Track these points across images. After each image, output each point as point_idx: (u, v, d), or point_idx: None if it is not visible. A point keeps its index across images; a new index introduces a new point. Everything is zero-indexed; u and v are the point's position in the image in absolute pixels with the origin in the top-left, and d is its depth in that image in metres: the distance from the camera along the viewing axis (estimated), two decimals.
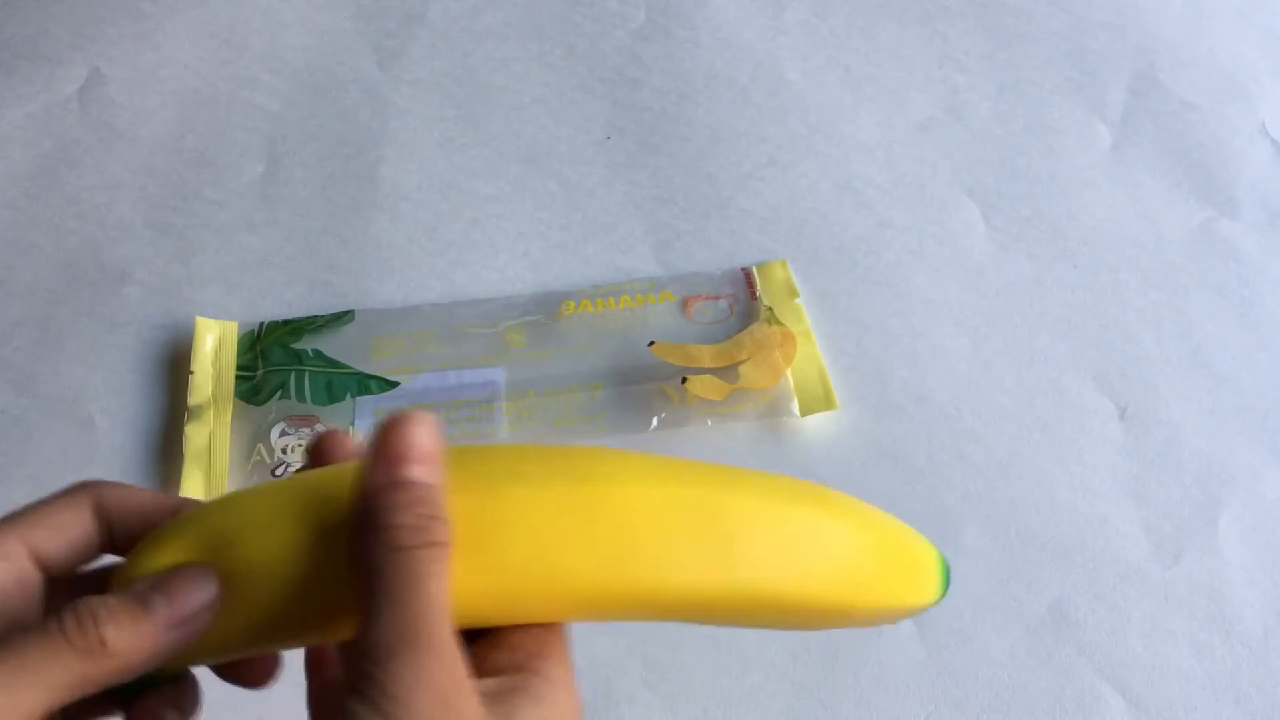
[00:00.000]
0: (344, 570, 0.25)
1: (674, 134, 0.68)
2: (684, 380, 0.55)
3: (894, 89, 0.70)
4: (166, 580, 0.26)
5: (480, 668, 0.26)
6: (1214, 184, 0.66)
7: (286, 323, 0.59)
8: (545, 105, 0.69)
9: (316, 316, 0.59)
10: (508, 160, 0.67)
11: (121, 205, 0.64)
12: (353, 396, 0.56)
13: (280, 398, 0.56)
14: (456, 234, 0.63)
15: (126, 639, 0.25)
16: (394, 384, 0.56)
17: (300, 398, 0.56)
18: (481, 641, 0.28)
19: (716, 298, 0.60)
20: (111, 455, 0.55)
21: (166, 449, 0.55)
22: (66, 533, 0.28)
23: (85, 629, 0.24)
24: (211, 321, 0.59)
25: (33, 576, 0.27)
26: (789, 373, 0.57)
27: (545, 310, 0.59)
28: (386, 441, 0.25)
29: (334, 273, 0.62)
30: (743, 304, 0.59)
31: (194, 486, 0.53)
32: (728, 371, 0.56)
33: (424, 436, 0.25)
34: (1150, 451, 0.55)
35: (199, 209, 0.64)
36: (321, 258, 0.62)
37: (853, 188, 0.65)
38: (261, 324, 0.59)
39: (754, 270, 0.61)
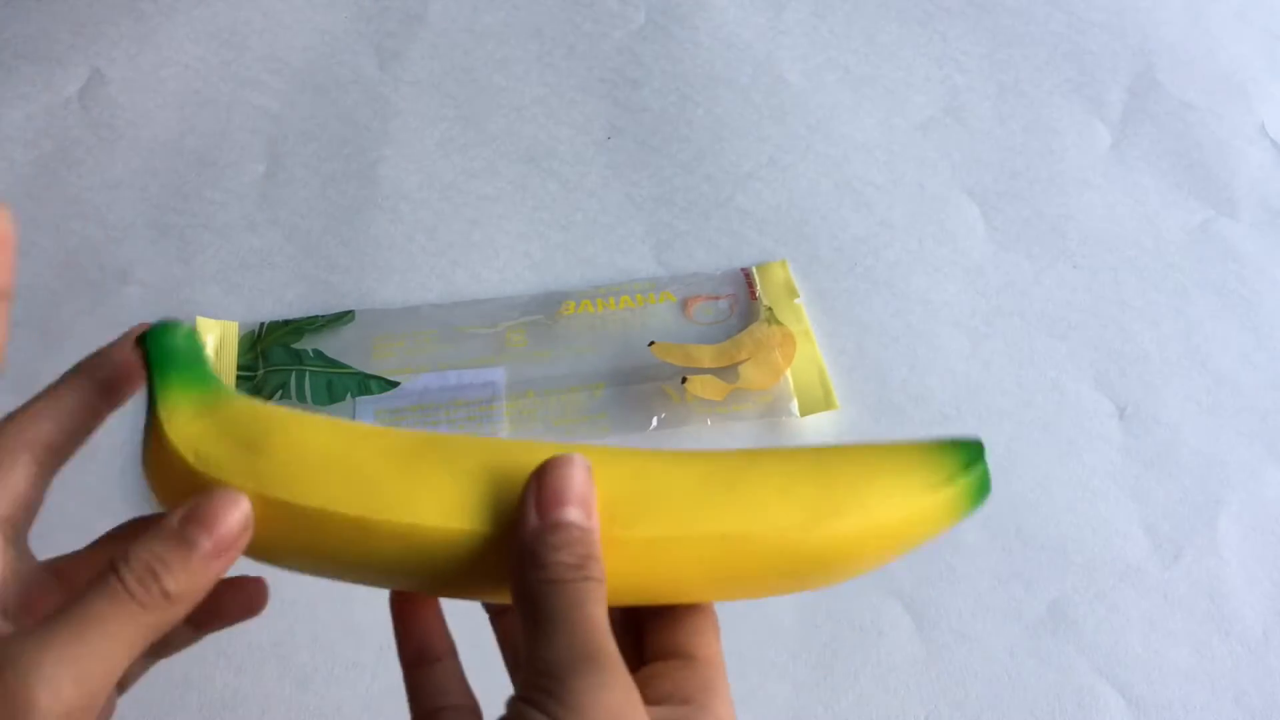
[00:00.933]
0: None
1: (674, 134, 0.68)
2: (684, 380, 0.55)
3: (894, 89, 0.70)
4: (201, 510, 0.26)
5: (645, 694, 0.27)
6: (1213, 184, 0.66)
7: (287, 323, 0.59)
8: (545, 105, 0.69)
9: (317, 316, 0.59)
10: (508, 160, 0.67)
11: (122, 205, 0.64)
12: (353, 396, 0.56)
13: (281, 398, 0.56)
14: (456, 234, 0.63)
15: (184, 583, 0.25)
16: (394, 384, 0.56)
17: (301, 398, 0.56)
18: (644, 671, 0.29)
19: (716, 298, 0.60)
20: (112, 455, 0.55)
21: None
22: (70, 418, 0.31)
23: (147, 585, 0.25)
24: (212, 321, 0.59)
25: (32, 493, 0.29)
26: (789, 373, 0.57)
27: (545, 310, 0.59)
28: (545, 483, 0.27)
29: (334, 273, 0.62)
30: (743, 304, 0.60)
31: None
32: (727, 371, 0.56)
33: (580, 480, 0.27)
34: (1150, 451, 0.55)
35: (199, 209, 0.64)
36: (322, 258, 0.62)
37: (853, 188, 0.65)
38: (262, 324, 0.59)
39: (754, 270, 0.61)
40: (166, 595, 0.25)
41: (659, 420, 0.55)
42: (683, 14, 0.74)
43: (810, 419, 0.56)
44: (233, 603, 0.31)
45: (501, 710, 0.26)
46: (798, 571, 0.29)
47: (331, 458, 0.28)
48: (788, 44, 0.72)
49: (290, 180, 0.66)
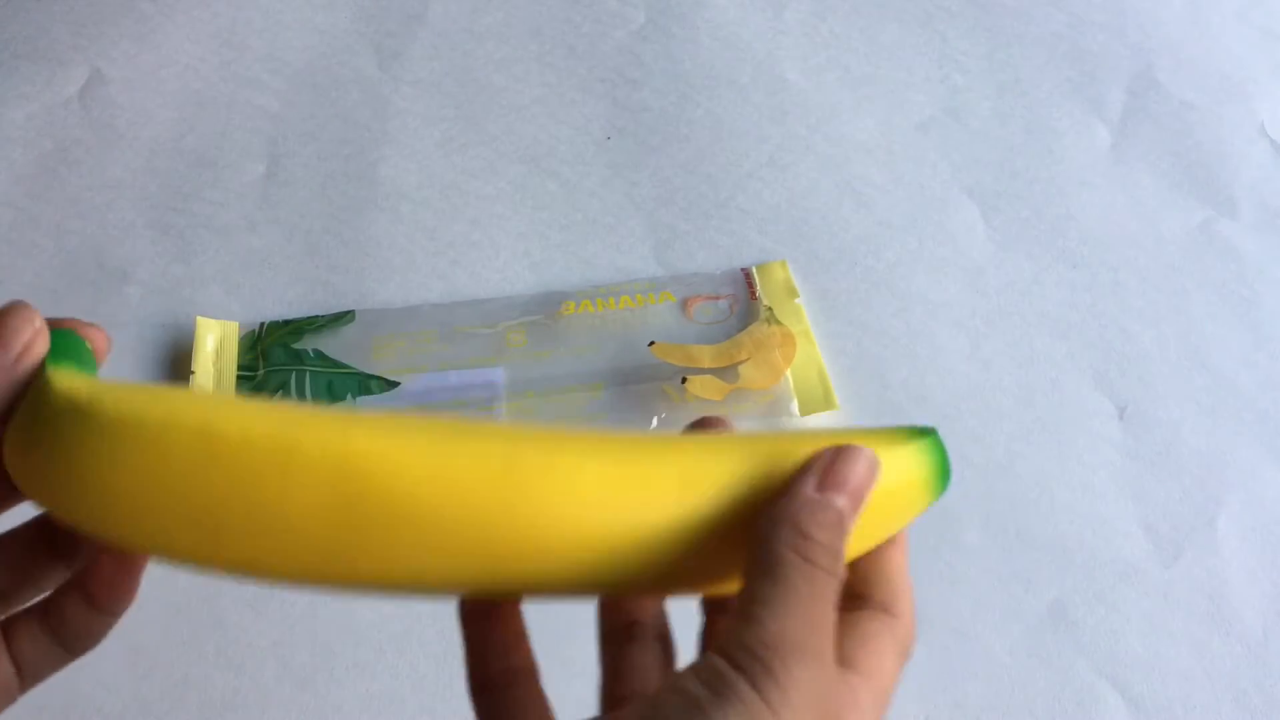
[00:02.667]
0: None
1: (674, 134, 0.68)
2: (684, 380, 0.55)
3: (894, 89, 0.70)
4: None
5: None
6: (1213, 184, 0.66)
7: (287, 323, 0.59)
8: (545, 105, 0.69)
9: (317, 317, 0.59)
10: (508, 160, 0.67)
11: (122, 205, 0.64)
12: (353, 397, 0.56)
13: (281, 398, 0.56)
14: (456, 234, 0.63)
15: None
16: (394, 384, 0.56)
17: (301, 398, 0.56)
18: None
19: (716, 298, 0.60)
20: None
21: None
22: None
23: None
24: (212, 322, 0.59)
25: None
26: (789, 373, 0.57)
27: (545, 310, 0.59)
28: (836, 464, 0.26)
29: (334, 273, 0.62)
30: (743, 304, 0.60)
31: None
32: (727, 371, 0.56)
33: (863, 476, 0.26)
34: (1150, 451, 0.55)
35: (200, 209, 0.64)
36: (322, 258, 0.62)
37: (853, 188, 0.65)
38: (262, 324, 0.59)
39: (754, 270, 0.61)
40: None
41: (659, 420, 0.55)
42: (683, 14, 0.74)
43: (810, 419, 0.56)
44: (112, 568, 0.29)
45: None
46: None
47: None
48: (788, 44, 0.72)
49: (290, 180, 0.66)
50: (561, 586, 0.26)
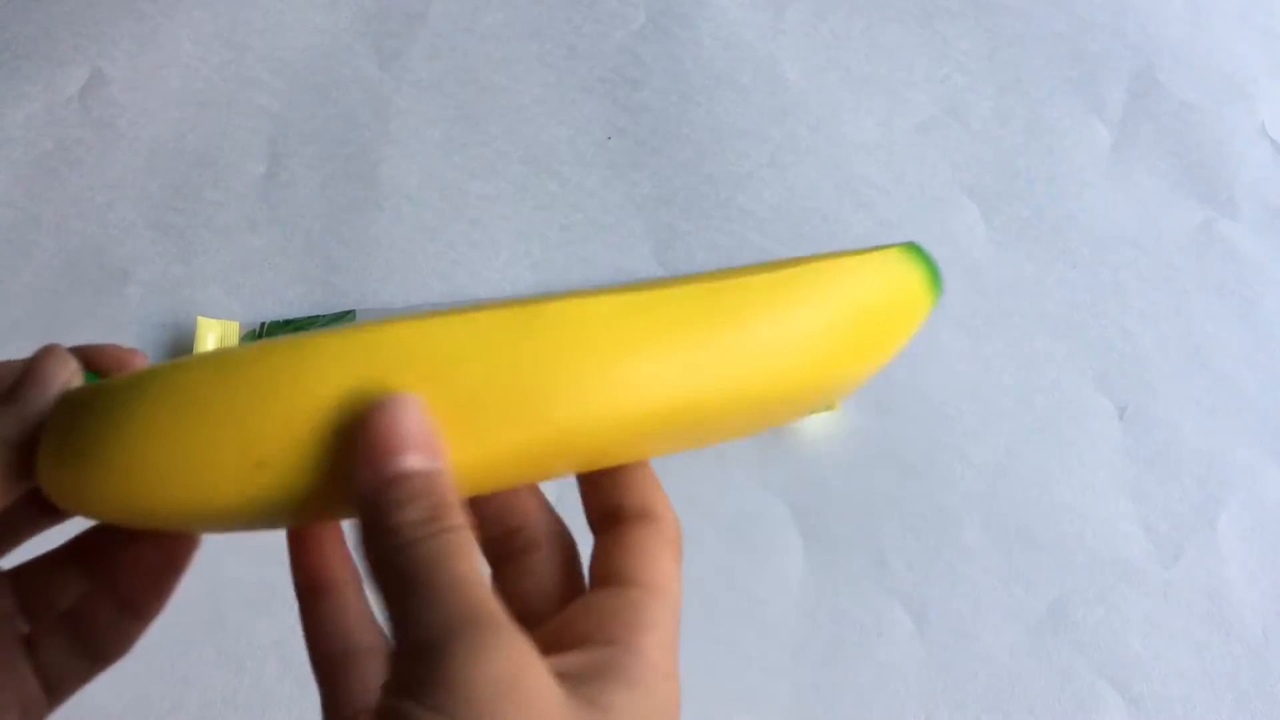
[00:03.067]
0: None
1: (674, 134, 0.68)
2: None
3: (894, 89, 0.70)
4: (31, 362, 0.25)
5: (562, 636, 0.23)
6: (1214, 184, 0.66)
7: (288, 323, 0.59)
8: (545, 106, 0.69)
9: (317, 316, 0.59)
10: (508, 160, 0.67)
11: (123, 205, 0.64)
12: None
13: None
14: (457, 234, 0.63)
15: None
16: None
17: None
18: (568, 609, 0.25)
19: None
20: None
21: None
22: None
23: None
24: (213, 321, 0.59)
25: None
26: None
27: None
28: (372, 435, 0.22)
29: (335, 273, 0.62)
30: None
31: None
32: None
33: (412, 418, 0.22)
34: (1150, 451, 0.55)
35: (200, 209, 0.64)
36: (322, 258, 0.62)
37: (853, 188, 0.65)
38: (263, 324, 0.59)
39: None
40: None
41: None
42: (683, 14, 0.74)
43: (810, 419, 0.56)
44: (142, 570, 0.28)
45: None
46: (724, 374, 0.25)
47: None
48: (788, 44, 0.72)
49: (290, 180, 0.66)
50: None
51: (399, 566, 0.21)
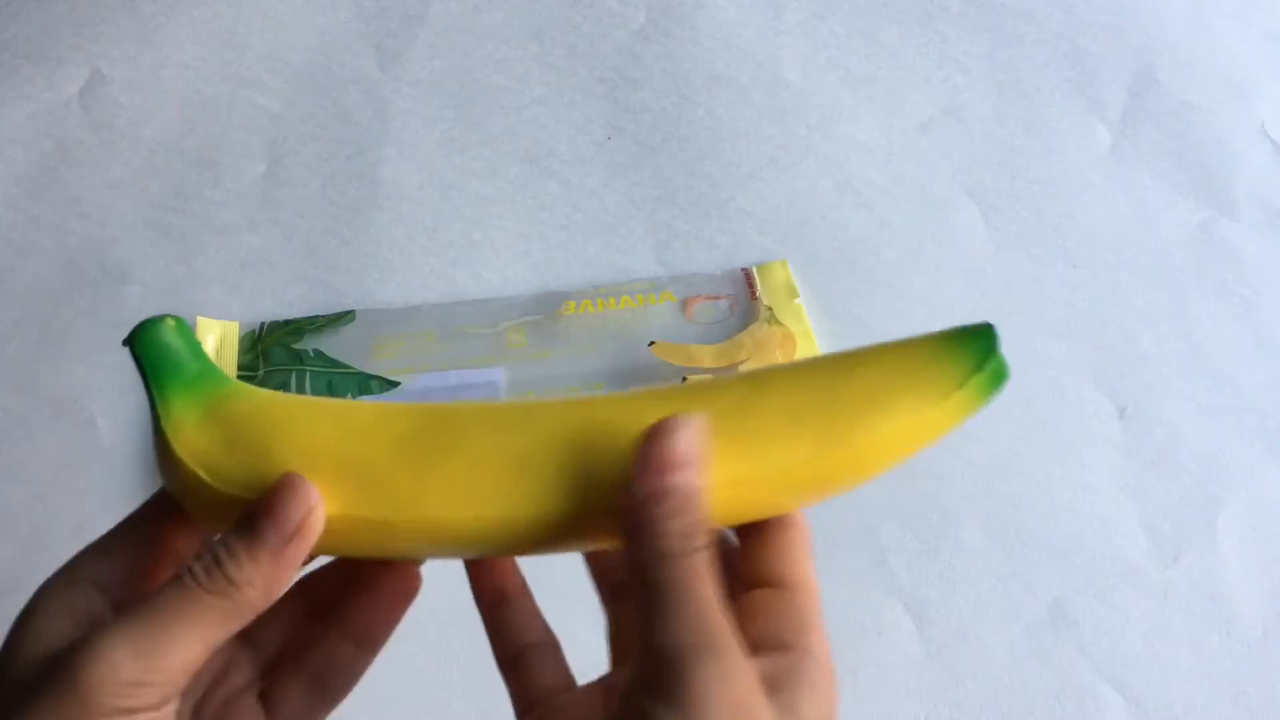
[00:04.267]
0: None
1: (674, 134, 0.68)
2: (684, 380, 0.55)
3: (894, 89, 0.70)
4: (268, 501, 0.27)
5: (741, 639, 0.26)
6: (1213, 184, 0.66)
7: (287, 323, 0.59)
8: (545, 105, 0.69)
9: (317, 316, 0.59)
10: (508, 160, 0.67)
11: (123, 205, 0.64)
12: (353, 396, 0.56)
13: None
14: (457, 234, 0.63)
15: (249, 571, 0.26)
16: (395, 384, 0.56)
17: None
18: (736, 609, 0.27)
19: (716, 298, 0.60)
20: (112, 455, 0.55)
21: None
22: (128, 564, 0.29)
23: (213, 574, 0.26)
24: (213, 321, 0.59)
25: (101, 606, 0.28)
26: None
27: (545, 310, 0.59)
28: (651, 449, 0.26)
29: (335, 273, 0.62)
30: (743, 304, 0.60)
31: None
32: (728, 371, 0.56)
33: (686, 440, 0.26)
34: (1150, 451, 0.55)
35: (200, 209, 0.64)
36: (322, 258, 0.62)
37: (853, 188, 0.65)
38: (262, 324, 0.59)
39: (754, 270, 0.61)
40: (231, 581, 0.26)
41: None
42: (683, 14, 0.74)
43: None
44: (379, 605, 0.32)
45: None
46: (810, 495, 0.29)
47: (344, 459, 0.28)
48: (788, 44, 0.72)
49: (290, 180, 0.66)
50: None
51: (658, 576, 0.25)
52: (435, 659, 0.49)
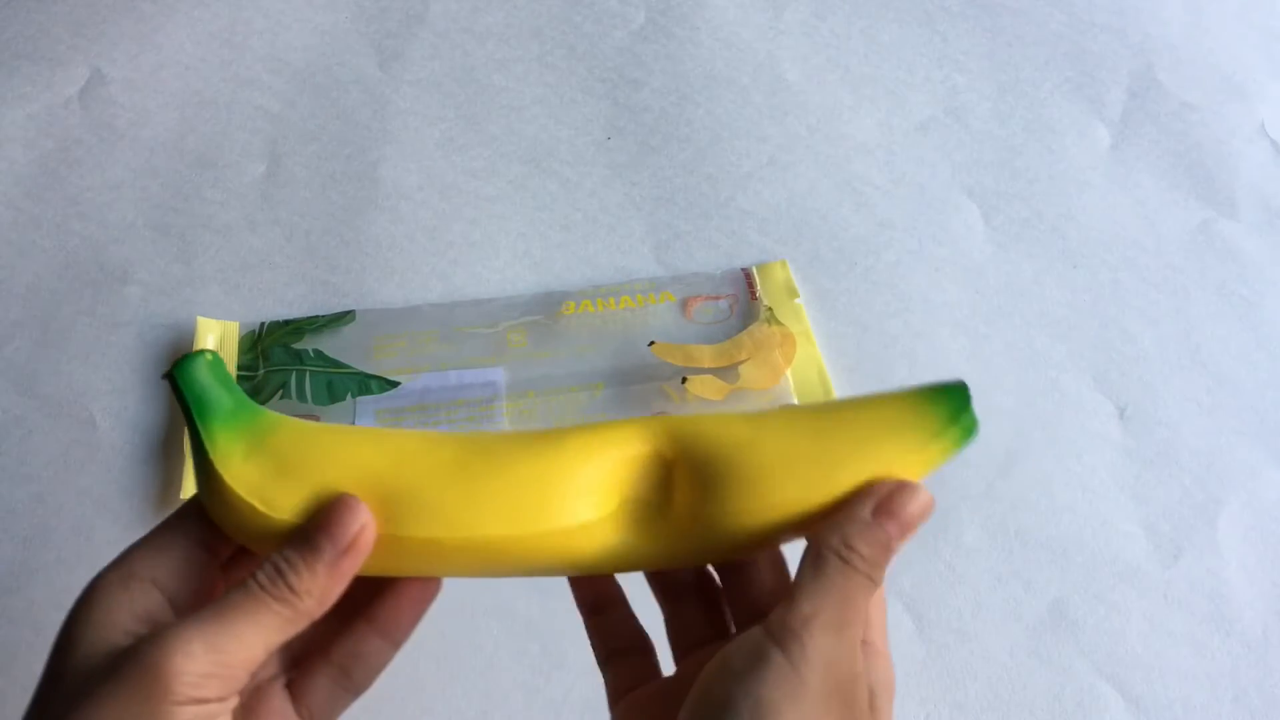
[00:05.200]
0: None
1: (674, 134, 0.68)
2: (684, 380, 0.55)
3: (894, 89, 0.70)
4: (324, 519, 0.30)
5: None
6: (1213, 184, 0.66)
7: (287, 323, 0.59)
8: (545, 106, 0.69)
9: (317, 316, 0.59)
10: (508, 160, 0.67)
11: (122, 205, 0.64)
12: (353, 396, 0.56)
13: (281, 397, 0.56)
14: (457, 234, 0.63)
15: (308, 581, 0.29)
16: (394, 384, 0.56)
17: (301, 397, 0.56)
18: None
19: (716, 298, 0.60)
20: (112, 455, 0.55)
21: (167, 449, 0.55)
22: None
23: (276, 583, 0.29)
24: (212, 321, 0.59)
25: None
26: (789, 373, 0.57)
27: (545, 310, 0.59)
28: (894, 498, 0.30)
29: (335, 273, 0.62)
30: (743, 304, 0.60)
31: (195, 487, 0.53)
32: (728, 371, 0.56)
33: (915, 512, 0.30)
34: (1150, 451, 0.55)
35: (200, 209, 0.64)
36: (322, 258, 0.62)
37: (853, 188, 0.65)
38: (262, 324, 0.59)
39: (754, 270, 0.61)
40: (293, 590, 0.29)
41: None
42: (683, 14, 0.74)
43: None
44: (404, 601, 0.34)
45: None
46: (792, 534, 0.32)
47: (392, 483, 0.30)
48: (788, 44, 0.72)
49: (290, 180, 0.66)
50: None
51: (836, 571, 0.29)
52: (435, 659, 0.49)
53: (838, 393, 0.56)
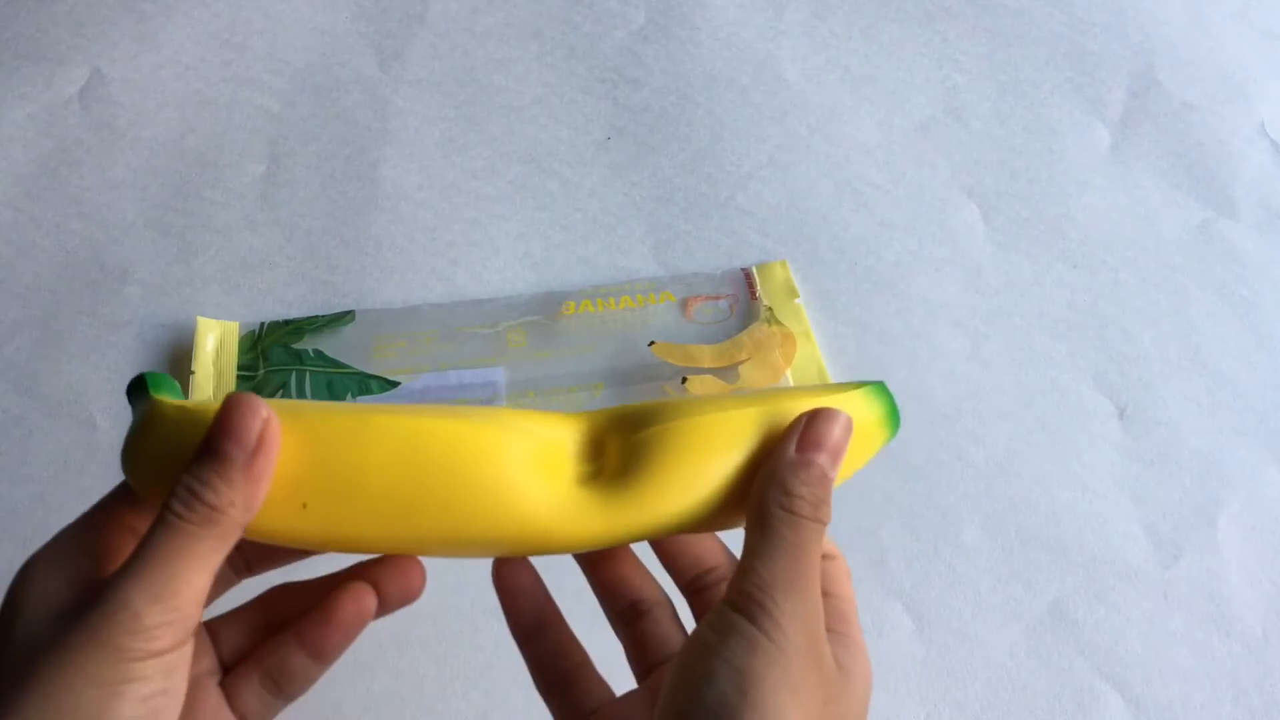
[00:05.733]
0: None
1: (674, 134, 0.68)
2: (684, 380, 0.55)
3: (894, 89, 0.70)
4: (222, 422, 0.28)
5: None
6: (1213, 184, 0.66)
7: (287, 323, 0.59)
8: (545, 106, 0.69)
9: (317, 316, 0.59)
10: (508, 160, 0.67)
11: (123, 205, 0.64)
12: (353, 396, 0.56)
13: (281, 397, 0.56)
14: (457, 234, 0.63)
15: (226, 493, 0.27)
16: (394, 384, 0.56)
17: (301, 397, 0.56)
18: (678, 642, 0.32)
19: (716, 298, 0.60)
20: (112, 455, 0.55)
21: None
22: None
23: (193, 506, 0.27)
24: (212, 321, 0.59)
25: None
26: (789, 373, 0.57)
27: (545, 310, 0.59)
28: (812, 427, 0.30)
29: (335, 273, 0.62)
30: (743, 304, 0.60)
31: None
32: (728, 371, 0.56)
33: (838, 434, 0.30)
34: (1150, 451, 0.55)
35: (200, 209, 0.64)
36: (322, 258, 0.62)
37: (853, 188, 0.65)
38: (262, 324, 0.59)
39: (754, 270, 0.61)
40: (214, 507, 0.27)
41: None
42: (683, 14, 0.74)
43: None
44: (390, 588, 0.33)
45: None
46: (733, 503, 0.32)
47: (301, 408, 0.30)
48: (788, 44, 0.72)
49: (290, 180, 0.66)
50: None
51: (781, 525, 0.29)
52: (435, 659, 0.49)
53: None
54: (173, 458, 0.29)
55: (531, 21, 0.74)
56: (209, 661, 0.33)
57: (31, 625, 0.27)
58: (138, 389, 0.31)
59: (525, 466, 0.30)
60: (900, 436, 0.55)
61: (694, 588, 0.36)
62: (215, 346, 0.58)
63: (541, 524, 0.30)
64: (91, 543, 0.29)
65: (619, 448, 0.31)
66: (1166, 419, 0.56)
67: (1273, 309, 0.60)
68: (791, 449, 0.30)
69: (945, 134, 0.68)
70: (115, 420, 0.56)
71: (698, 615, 0.35)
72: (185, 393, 0.56)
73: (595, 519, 0.30)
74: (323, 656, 0.33)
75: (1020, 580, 0.51)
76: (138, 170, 0.66)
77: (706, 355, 0.57)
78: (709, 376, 0.56)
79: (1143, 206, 0.65)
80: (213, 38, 0.72)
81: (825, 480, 0.30)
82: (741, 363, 0.56)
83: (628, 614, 0.36)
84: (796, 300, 0.60)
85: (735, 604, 0.28)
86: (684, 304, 0.60)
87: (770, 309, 0.59)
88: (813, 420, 0.31)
